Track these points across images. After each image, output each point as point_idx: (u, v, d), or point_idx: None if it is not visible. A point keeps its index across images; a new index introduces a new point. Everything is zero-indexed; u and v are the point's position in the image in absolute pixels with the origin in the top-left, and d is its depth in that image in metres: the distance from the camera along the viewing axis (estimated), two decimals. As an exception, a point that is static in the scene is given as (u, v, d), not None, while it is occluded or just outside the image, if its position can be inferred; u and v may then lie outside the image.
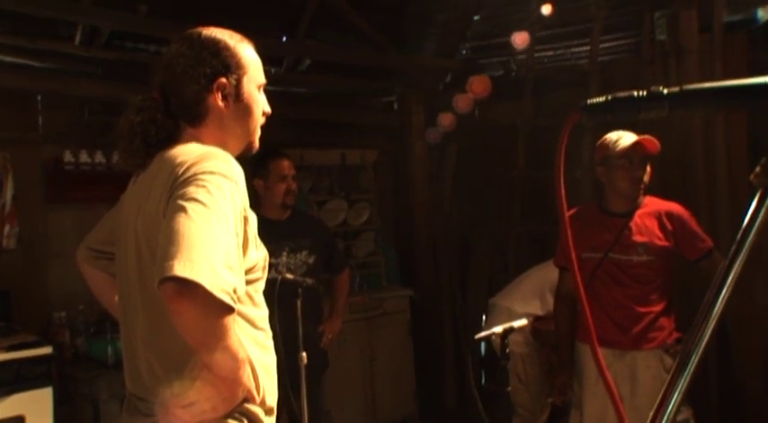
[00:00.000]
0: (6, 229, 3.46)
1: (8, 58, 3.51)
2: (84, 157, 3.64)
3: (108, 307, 1.82)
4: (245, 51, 1.59)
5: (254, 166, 3.19)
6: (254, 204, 3.29)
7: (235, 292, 1.26)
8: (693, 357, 0.66)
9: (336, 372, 3.92)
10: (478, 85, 4.58)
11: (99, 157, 3.68)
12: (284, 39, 4.35)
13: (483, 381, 4.84)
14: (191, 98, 1.53)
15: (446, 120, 4.73)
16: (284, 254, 3.11)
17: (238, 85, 1.56)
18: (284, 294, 2.73)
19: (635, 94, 0.65)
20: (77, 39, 3.59)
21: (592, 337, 2.81)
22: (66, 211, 3.68)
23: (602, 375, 0.70)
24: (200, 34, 1.56)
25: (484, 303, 4.01)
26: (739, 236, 0.63)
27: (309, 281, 2.83)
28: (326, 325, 3.31)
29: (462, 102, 4.67)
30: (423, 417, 4.71)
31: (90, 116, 3.76)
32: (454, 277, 5.09)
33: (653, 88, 0.65)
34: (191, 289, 1.19)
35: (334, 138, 4.86)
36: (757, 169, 0.63)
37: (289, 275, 2.81)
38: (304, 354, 2.77)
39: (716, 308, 0.64)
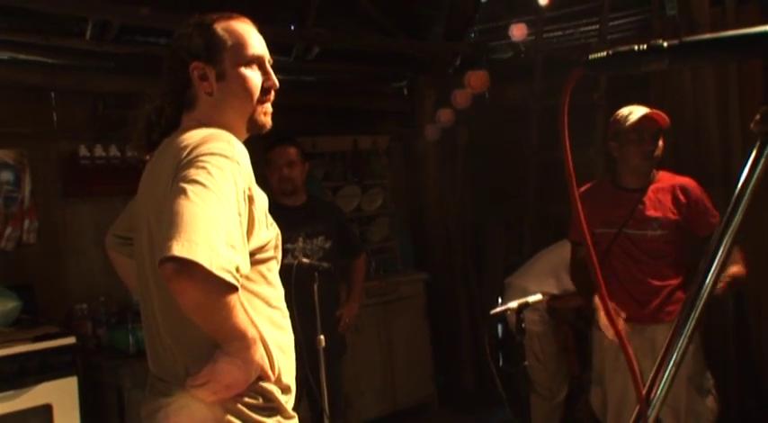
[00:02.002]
0: (26, 223, 3.51)
1: (21, 56, 3.54)
2: (99, 151, 3.68)
3: (135, 293, 1.86)
4: (226, 28, 1.58)
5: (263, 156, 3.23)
6: (271, 193, 3.35)
7: (238, 270, 1.28)
8: (696, 308, 0.67)
9: (354, 356, 3.96)
10: (476, 80, 4.58)
11: (114, 151, 3.71)
12: (292, 27, 4.36)
13: (501, 362, 4.87)
14: (179, 85, 1.57)
15: (460, 98, 4.71)
16: (300, 239, 3.13)
17: (219, 65, 1.55)
18: (301, 279, 2.77)
19: (635, 47, 0.66)
20: (88, 34, 3.62)
21: (610, 310, 2.82)
22: (83, 204, 3.73)
23: (623, 350, 0.71)
24: (191, 20, 1.59)
25: (500, 285, 4.02)
26: (740, 184, 0.64)
27: (326, 265, 2.86)
28: (344, 309, 3.34)
29: (461, 97, 4.68)
30: (441, 399, 4.74)
31: (104, 110, 3.79)
32: (469, 260, 5.10)
33: (653, 41, 0.66)
34: (190, 268, 1.21)
35: (346, 124, 4.87)
36: (757, 117, 0.64)
37: (305, 260, 2.84)
38: (322, 337, 2.80)
39: (719, 253, 0.65)
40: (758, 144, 0.65)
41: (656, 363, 0.68)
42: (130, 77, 3.68)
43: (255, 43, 1.61)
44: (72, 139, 3.71)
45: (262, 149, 3.20)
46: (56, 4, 3.40)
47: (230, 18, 1.61)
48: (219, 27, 1.58)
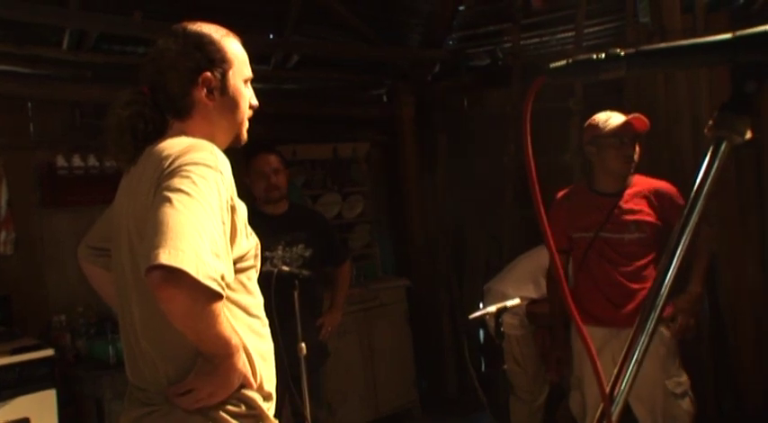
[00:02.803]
0: (3, 235, 3.48)
1: (-3, 65, 3.53)
2: (77, 161, 3.66)
3: (110, 303, 1.85)
4: (231, 45, 1.61)
5: (244, 164, 3.23)
6: (251, 201, 3.32)
7: (223, 278, 1.28)
8: (656, 306, 0.69)
9: (337, 363, 3.96)
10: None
11: (92, 161, 3.70)
12: (271, 36, 4.37)
13: (483, 366, 4.90)
14: (177, 92, 1.55)
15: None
16: (280, 247, 3.13)
17: (224, 79, 1.58)
18: (281, 287, 2.78)
19: (594, 56, 0.69)
20: (65, 43, 3.61)
21: (576, 316, 2.86)
22: (61, 214, 3.70)
23: (588, 353, 0.73)
24: (185, 29, 1.58)
25: (480, 290, 4.05)
26: (696, 187, 0.67)
27: (306, 272, 2.87)
28: (326, 317, 3.33)
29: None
30: (424, 405, 4.75)
31: (81, 120, 3.78)
32: (450, 265, 5.13)
33: (610, 50, 0.68)
34: (177, 276, 1.22)
35: (326, 132, 4.89)
36: (710, 122, 0.67)
37: (285, 267, 2.85)
38: (303, 344, 2.81)
39: (677, 252, 0.68)
40: (712, 148, 0.67)
41: (619, 360, 0.70)
42: (108, 87, 3.67)
43: (248, 62, 1.65)
44: (49, 149, 3.68)
45: (239, 158, 3.20)
46: (33, 13, 3.38)
47: (230, 34, 1.63)
48: (228, 43, 1.60)
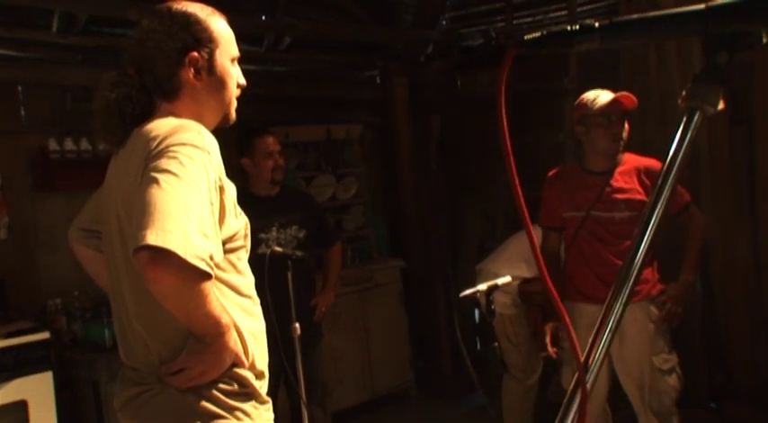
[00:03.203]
0: (-4, 219, 3.48)
1: (-14, 49, 3.50)
2: (69, 145, 3.65)
3: (102, 285, 1.86)
4: (217, 24, 1.60)
5: (240, 145, 3.22)
6: (243, 183, 3.32)
7: (211, 258, 1.29)
8: (630, 276, 0.70)
9: (332, 344, 3.98)
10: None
11: (84, 144, 3.69)
12: (264, 17, 4.34)
13: (478, 346, 4.93)
14: (163, 73, 1.55)
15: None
16: (274, 229, 3.14)
17: (211, 59, 1.57)
18: (275, 268, 2.79)
19: (568, 27, 0.69)
20: (54, 26, 3.58)
21: (573, 294, 2.85)
22: (54, 198, 3.69)
23: (563, 324, 0.74)
24: (170, 8, 1.57)
25: (474, 270, 4.06)
26: (669, 158, 0.67)
27: (299, 253, 2.88)
28: (319, 298, 3.35)
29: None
30: (420, 385, 4.79)
31: (73, 103, 3.76)
32: (444, 246, 5.15)
33: (585, 21, 0.68)
34: (164, 257, 1.22)
35: (319, 114, 4.88)
36: (684, 93, 0.67)
37: (278, 249, 2.86)
38: (297, 325, 2.83)
39: (651, 223, 0.69)
40: (684, 119, 0.68)
41: (593, 331, 0.71)
42: (98, 70, 3.65)
43: (235, 41, 1.64)
44: (41, 134, 3.67)
45: (232, 140, 3.19)
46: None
47: (216, 13, 1.62)
48: (214, 22, 1.59)
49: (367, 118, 5.17)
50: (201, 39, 1.56)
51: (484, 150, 4.76)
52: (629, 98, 2.67)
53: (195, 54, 1.55)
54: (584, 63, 4.15)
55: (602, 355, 0.68)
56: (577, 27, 0.68)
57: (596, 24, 0.68)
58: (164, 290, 1.29)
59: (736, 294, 3.69)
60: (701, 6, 0.64)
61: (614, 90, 2.79)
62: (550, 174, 2.99)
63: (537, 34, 0.71)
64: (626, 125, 2.78)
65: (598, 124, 2.75)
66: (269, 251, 2.81)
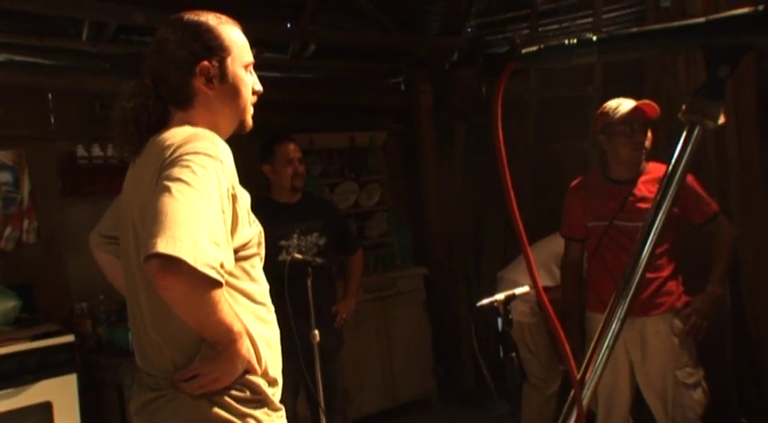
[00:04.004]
0: (25, 223, 3.55)
1: (18, 57, 3.59)
2: (96, 151, 3.72)
3: (121, 290, 1.88)
4: (229, 32, 1.61)
5: (261, 152, 3.24)
6: (265, 189, 3.34)
7: (222, 266, 1.30)
8: (629, 291, 0.69)
9: (354, 351, 3.99)
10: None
11: (111, 151, 3.75)
12: (289, 25, 4.38)
13: (501, 354, 4.87)
14: (177, 83, 1.57)
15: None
16: (295, 236, 3.16)
17: (222, 67, 1.58)
18: (294, 275, 2.80)
19: (566, 41, 0.68)
20: (84, 35, 3.66)
21: (595, 305, 2.81)
22: (81, 203, 3.76)
23: (557, 337, 0.73)
24: (181, 18, 1.59)
25: (496, 278, 4.04)
26: (670, 169, 0.66)
27: (319, 260, 2.89)
28: (340, 305, 3.36)
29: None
30: (442, 393, 4.76)
31: (101, 110, 3.83)
32: (468, 254, 5.12)
33: (583, 35, 0.68)
34: (174, 265, 1.23)
35: (343, 120, 4.89)
36: (684, 107, 0.66)
37: (298, 255, 2.87)
38: (316, 332, 2.83)
39: (651, 234, 0.67)
40: (685, 133, 0.66)
41: (591, 346, 0.70)
42: (126, 77, 3.70)
43: (248, 48, 1.66)
44: (70, 140, 3.75)
45: (254, 147, 3.21)
46: (52, 5, 3.42)
47: (230, 22, 1.63)
48: (224, 30, 1.60)
49: (391, 125, 5.17)
50: (212, 47, 1.57)
51: (509, 158, 4.73)
52: (652, 106, 2.64)
53: (206, 63, 1.56)
54: (609, 70, 4.11)
55: (599, 372, 0.67)
56: (575, 41, 0.68)
57: (594, 38, 0.67)
58: (174, 297, 1.30)
59: (766, 305, 3.61)
60: (702, 20, 0.63)
61: (638, 98, 2.76)
62: (573, 184, 2.96)
63: (534, 48, 0.70)
64: (649, 134, 2.74)
65: (620, 133, 2.71)
66: (289, 258, 2.82)
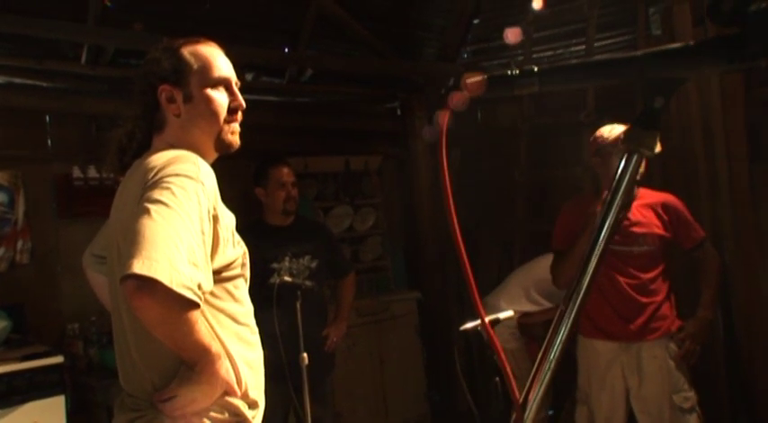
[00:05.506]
0: (19, 244, 3.57)
1: (17, 80, 3.62)
2: (92, 173, 3.75)
3: (109, 310, 1.90)
4: (195, 52, 1.64)
5: (255, 175, 3.27)
6: (258, 212, 3.35)
7: (200, 287, 1.32)
8: (566, 319, 0.70)
9: (347, 375, 3.97)
10: (473, 83, 4.62)
11: (107, 173, 3.78)
12: (286, 50, 4.43)
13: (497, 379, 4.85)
14: (149, 107, 1.63)
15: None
16: (287, 258, 3.16)
17: (186, 88, 1.61)
18: (284, 297, 2.81)
19: (508, 72, 0.71)
20: (83, 58, 3.71)
21: (589, 330, 2.80)
22: (76, 225, 3.77)
23: (499, 359, 0.75)
24: (155, 46, 1.65)
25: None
26: (609, 196, 0.68)
27: (308, 283, 2.90)
28: (331, 328, 3.35)
29: (457, 99, 4.71)
30: (436, 417, 4.74)
31: (97, 132, 3.86)
32: (461, 279, 5.12)
33: (525, 66, 0.70)
34: (149, 285, 1.25)
35: (338, 144, 4.93)
36: (622, 135, 0.68)
37: (287, 278, 2.88)
38: (305, 355, 2.83)
39: (590, 265, 0.69)
40: (624, 161, 0.68)
41: (535, 366, 0.72)
42: (124, 100, 3.74)
43: (221, 65, 1.67)
44: (66, 161, 3.77)
45: (247, 170, 3.24)
46: (52, 29, 3.48)
47: (197, 42, 1.67)
48: (186, 51, 1.64)
49: (386, 149, 5.20)
50: (170, 69, 1.61)
51: (502, 183, 4.76)
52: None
53: (166, 86, 1.61)
54: (601, 97, 4.16)
55: (541, 393, 0.68)
56: (517, 71, 0.70)
57: (535, 69, 0.69)
58: (150, 318, 1.31)
59: (759, 332, 3.60)
60: (639, 53, 0.66)
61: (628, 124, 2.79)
62: (567, 203, 2.98)
63: (478, 78, 0.72)
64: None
65: (614, 154, 2.74)
66: (278, 280, 2.84)
